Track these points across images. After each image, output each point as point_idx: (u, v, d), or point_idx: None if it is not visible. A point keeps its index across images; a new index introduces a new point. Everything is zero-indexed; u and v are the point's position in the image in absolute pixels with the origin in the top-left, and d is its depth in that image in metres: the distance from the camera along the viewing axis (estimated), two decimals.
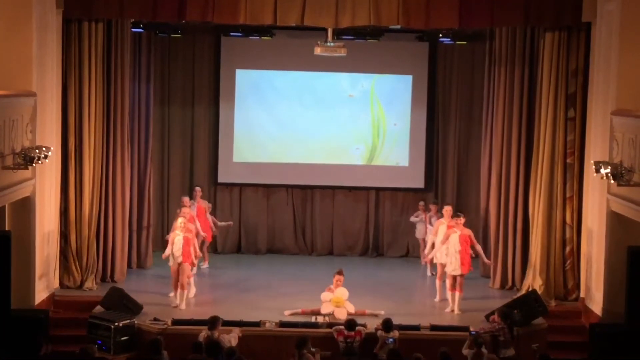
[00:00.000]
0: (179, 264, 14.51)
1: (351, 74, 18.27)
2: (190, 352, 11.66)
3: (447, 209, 15.42)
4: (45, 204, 14.69)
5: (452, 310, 14.71)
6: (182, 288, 14.59)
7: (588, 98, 15.19)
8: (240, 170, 18.53)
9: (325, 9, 14.82)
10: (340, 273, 14.36)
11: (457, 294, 14.70)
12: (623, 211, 13.50)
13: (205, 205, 17.03)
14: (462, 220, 14.92)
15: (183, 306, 14.51)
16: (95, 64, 15.39)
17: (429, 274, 16.86)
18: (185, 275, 14.63)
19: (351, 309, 14.02)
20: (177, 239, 14.59)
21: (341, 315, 13.82)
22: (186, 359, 11.47)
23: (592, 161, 13.84)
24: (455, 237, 14.71)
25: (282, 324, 13.54)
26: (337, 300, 14.04)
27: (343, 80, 18.40)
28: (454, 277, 14.69)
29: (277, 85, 18.44)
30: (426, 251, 16.28)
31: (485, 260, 15.49)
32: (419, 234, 17.65)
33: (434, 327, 13.60)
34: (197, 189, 17.09)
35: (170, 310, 14.25)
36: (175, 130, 18.51)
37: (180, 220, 14.80)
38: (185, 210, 15.40)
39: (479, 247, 15.13)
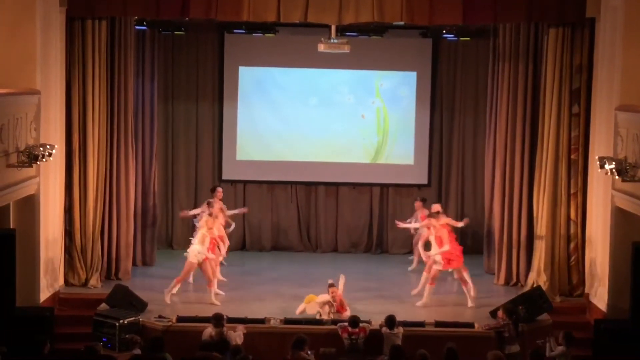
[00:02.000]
0: (201, 262, 14.58)
1: (355, 70, 18.24)
2: (197, 349, 11.67)
3: (435, 207, 15.80)
4: (50, 202, 14.70)
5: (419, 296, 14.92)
6: (210, 285, 14.72)
7: (592, 94, 15.16)
8: (244, 167, 18.51)
9: (328, 5, 14.80)
10: (332, 285, 14.11)
11: (471, 287, 14.86)
12: (628, 207, 13.48)
13: (222, 207, 16.80)
14: (441, 217, 15.18)
15: (168, 300, 14.59)
16: (99, 62, 15.38)
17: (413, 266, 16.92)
18: (211, 270, 14.70)
19: (322, 298, 13.81)
20: (206, 239, 14.67)
21: (312, 310, 13.77)
22: (194, 356, 11.47)
23: (596, 157, 13.80)
24: (444, 233, 14.84)
25: (287, 321, 13.52)
26: (309, 298, 13.97)
27: (346, 77, 18.34)
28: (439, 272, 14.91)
29: (281, 82, 18.41)
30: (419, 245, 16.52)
31: (459, 223, 15.65)
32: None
33: (438, 324, 13.59)
34: (219, 189, 16.76)
35: (175, 308, 14.26)
36: (179, 127, 18.48)
37: (204, 219, 14.97)
38: (215, 208, 15.50)
39: (450, 219, 15.46)
